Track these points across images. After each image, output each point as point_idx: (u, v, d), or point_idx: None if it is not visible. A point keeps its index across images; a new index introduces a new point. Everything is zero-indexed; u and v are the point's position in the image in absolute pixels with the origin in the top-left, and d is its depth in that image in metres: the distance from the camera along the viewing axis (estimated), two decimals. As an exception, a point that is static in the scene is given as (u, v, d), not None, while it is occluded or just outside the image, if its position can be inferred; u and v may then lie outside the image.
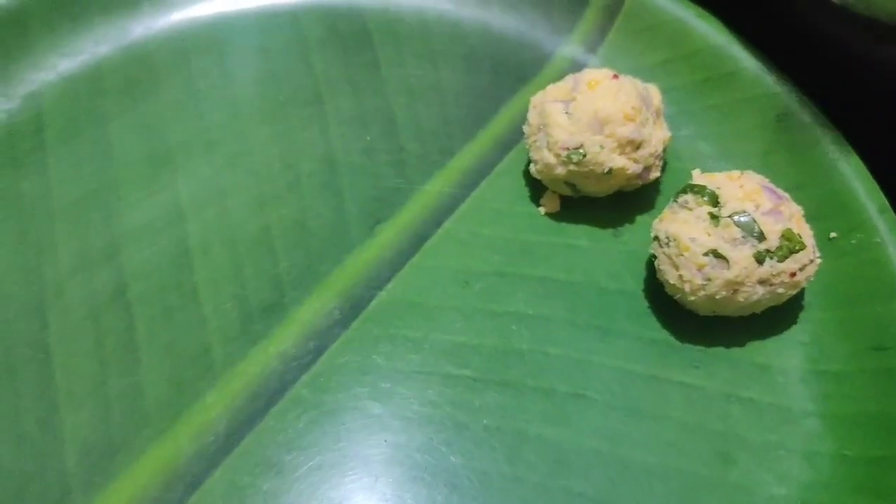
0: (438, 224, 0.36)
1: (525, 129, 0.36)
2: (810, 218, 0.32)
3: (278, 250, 0.35)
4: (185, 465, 0.30)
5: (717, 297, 0.31)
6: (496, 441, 0.31)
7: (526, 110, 0.36)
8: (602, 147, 0.33)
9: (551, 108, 0.34)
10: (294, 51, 0.41)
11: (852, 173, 0.35)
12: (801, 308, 0.33)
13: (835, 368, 0.32)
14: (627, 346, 0.33)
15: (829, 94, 0.37)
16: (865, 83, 0.38)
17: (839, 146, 0.36)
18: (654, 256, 0.33)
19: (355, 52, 0.41)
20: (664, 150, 0.35)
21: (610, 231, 0.36)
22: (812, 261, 0.32)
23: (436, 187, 0.37)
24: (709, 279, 0.31)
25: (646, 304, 0.34)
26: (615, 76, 0.34)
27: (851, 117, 0.37)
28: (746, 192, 0.31)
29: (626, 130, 0.33)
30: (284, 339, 0.33)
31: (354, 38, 0.41)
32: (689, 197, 0.32)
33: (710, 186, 0.32)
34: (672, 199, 0.33)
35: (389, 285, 0.35)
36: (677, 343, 0.33)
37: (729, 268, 0.30)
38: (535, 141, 0.35)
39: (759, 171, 0.33)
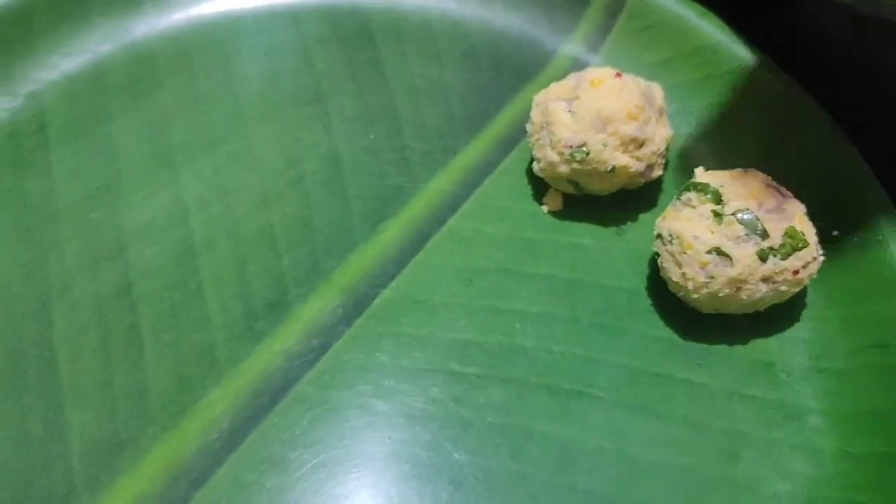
0: (442, 222, 0.36)
1: (528, 127, 0.36)
2: (812, 216, 0.32)
3: (282, 248, 0.35)
4: (189, 463, 0.30)
5: (721, 294, 0.31)
6: (501, 438, 0.31)
7: (528, 109, 0.36)
8: (605, 145, 0.33)
9: (554, 107, 0.34)
10: (297, 49, 0.41)
11: (854, 171, 0.35)
12: (803, 306, 0.33)
13: (838, 366, 0.33)
14: (631, 343, 0.33)
15: (831, 92, 0.37)
16: (868, 81, 0.38)
17: (841, 144, 0.36)
18: (658, 254, 0.33)
19: (358, 51, 0.41)
20: (667, 149, 0.35)
21: (613, 229, 0.36)
22: (815, 258, 0.32)
23: (439, 185, 0.37)
24: (712, 277, 0.31)
25: (649, 301, 0.34)
26: (618, 75, 0.34)
27: (853, 115, 0.37)
28: (750, 189, 0.31)
29: (630, 129, 0.33)
30: (288, 336, 0.33)
31: (357, 37, 0.41)
32: (692, 195, 0.32)
33: (714, 184, 0.32)
34: (675, 196, 0.33)
35: (393, 283, 0.35)
36: (681, 340, 0.34)
37: (732, 265, 0.30)
38: (539, 139, 0.35)
39: (761, 169, 0.33)
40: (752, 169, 0.33)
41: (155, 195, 0.36)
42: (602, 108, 0.33)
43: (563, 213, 0.37)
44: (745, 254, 0.30)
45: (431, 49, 0.41)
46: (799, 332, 0.34)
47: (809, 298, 0.34)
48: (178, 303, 0.34)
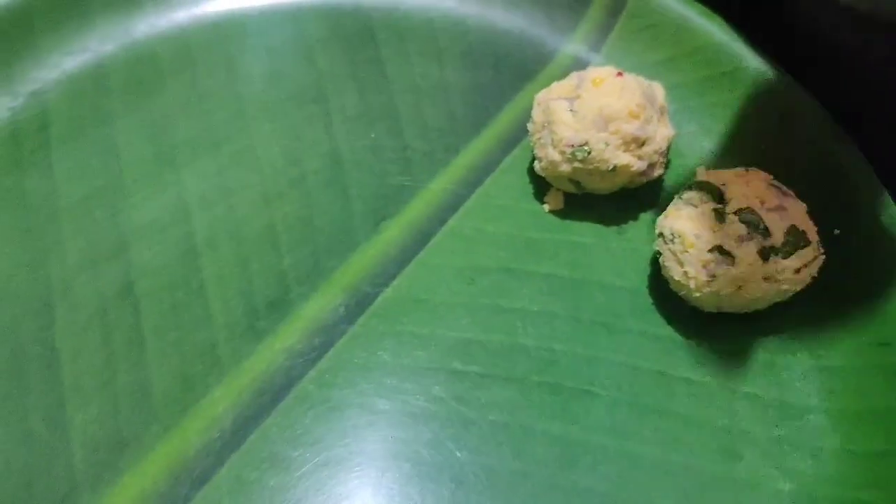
0: (443, 221, 0.36)
1: (529, 126, 0.36)
2: (814, 215, 0.32)
3: (284, 247, 0.35)
4: (191, 461, 0.30)
5: (722, 293, 0.31)
6: (502, 437, 0.31)
7: (530, 108, 0.36)
8: (607, 144, 0.33)
9: (556, 106, 0.34)
10: (298, 49, 0.41)
11: (855, 170, 0.35)
12: (805, 304, 0.33)
13: (839, 364, 0.33)
14: (633, 342, 0.33)
15: (832, 91, 0.37)
16: (868, 81, 0.38)
17: (842, 143, 0.36)
18: (659, 253, 0.33)
19: (359, 50, 0.41)
20: (668, 148, 0.35)
21: (614, 228, 0.36)
22: (816, 257, 0.32)
23: (440, 185, 0.37)
24: (714, 276, 0.31)
25: (650, 300, 0.34)
26: (620, 74, 0.34)
27: (854, 114, 0.37)
28: (752, 188, 0.31)
29: (631, 128, 0.33)
30: (290, 335, 0.33)
31: (358, 36, 0.41)
32: (694, 194, 0.32)
33: (716, 183, 0.32)
34: (677, 195, 0.33)
35: (395, 282, 0.35)
36: (682, 339, 0.34)
37: (734, 264, 0.30)
38: (540, 138, 0.35)
39: (762, 168, 0.33)
40: (754, 168, 0.33)
41: (157, 195, 0.36)
42: (604, 107, 0.33)
43: (564, 212, 0.37)
44: (746, 252, 0.30)
45: (432, 48, 0.41)
46: (800, 331, 0.34)
47: (811, 297, 0.34)
48: (180, 302, 0.34)
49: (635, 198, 0.37)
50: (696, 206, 0.32)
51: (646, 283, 0.35)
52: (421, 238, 0.36)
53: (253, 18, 0.42)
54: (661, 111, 0.35)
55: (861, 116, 0.37)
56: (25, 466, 0.30)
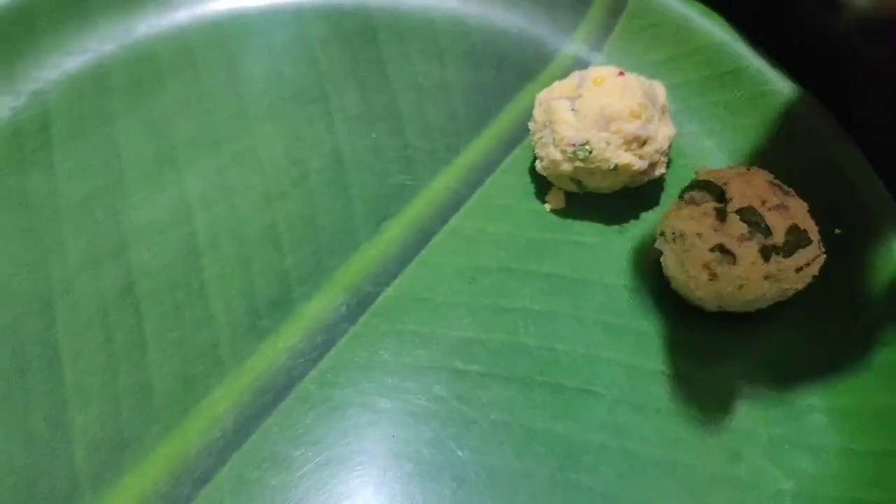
0: (444, 221, 0.36)
1: (530, 125, 0.36)
2: (815, 214, 0.32)
3: (285, 247, 0.35)
4: (193, 461, 0.30)
5: (724, 292, 0.31)
6: (504, 436, 0.31)
7: (531, 107, 0.36)
8: (608, 143, 0.33)
9: (557, 105, 0.34)
10: (299, 48, 0.41)
11: (856, 169, 0.36)
12: (806, 303, 0.33)
13: (841, 363, 0.33)
14: (634, 341, 0.33)
15: (833, 91, 0.37)
16: (869, 80, 0.38)
17: (843, 143, 0.36)
18: (661, 252, 0.33)
19: (361, 50, 0.41)
20: (669, 147, 0.35)
21: (615, 227, 0.36)
22: (817, 256, 0.32)
23: (442, 184, 0.37)
24: (715, 275, 0.31)
25: (652, 299, 0.34)
26: (621, 73, 0.34)
27: (854, 114, 0.37)
28: (753, 187, 0.31)
29: (632, 127, 0.33)
30: (292, 334, 0.33)
31: (360, 36, 0.41)
32: (695, 193, 0.32)
33: (717, 182, 0.32)
34: (678, 195, 0.33)
35: (396, 281, 0.35)
36: (683, 338, 0.34)
37: (735, 263, 0.30)
38: (541, 137, 0.35)
39: (763, 167, 0.34)
40: (755, 167, 0.33)
41: (158, 195, 0.36)
42: (605, 107, 0.33)
43: (565, 212, 0.37)
44: (747, 252, 0.30)
45: (434, 48, 0.41)
46: (801, 330, 0.34)
47: (812, 296, 0.34)
48: (182, 302, 0.34)
49: (637, 197, 0.37)
50: (697, 206, 0.32)
51: (647, 282, 0.35)
52: (422, 237, 0.36)
53: (254, 18, 0.42)
54: (663, 110, 0.35)
55: (861, 115, 0.37)
56: (26, 466, 0.30)
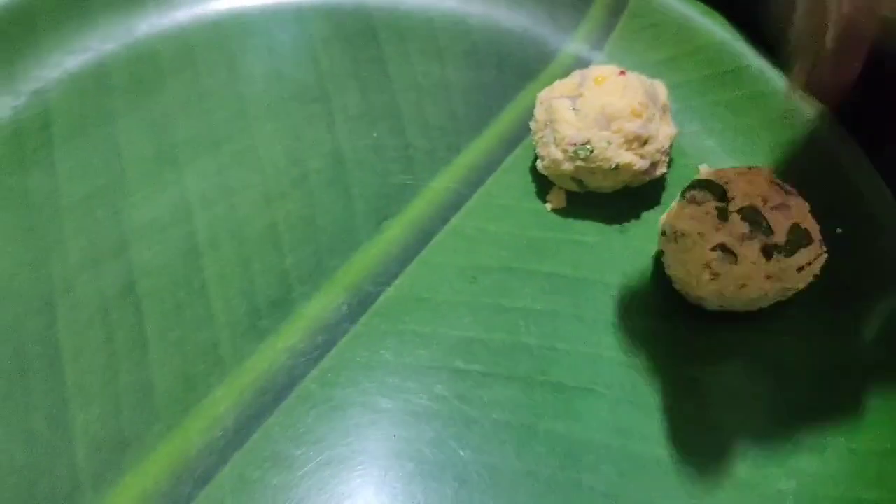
0: (445, 220, 0.36)
1: (531, 125, 0.36)
2: (816, 213, 0.32)
3: (286, 246, 0.35)
4: (194, 460, 0.30)
5: (725, 291, 0.31)
6: (505, 435, 0.31)
7: (532, 107, 0.36)
8: (609, 143, 0.33)
9: (558, 104, 0.34)
10: (300, 48, 0.41)
11: (857, 168, 0.36)
12: (807, 303, 0.33)
13: (842, 362, 0.33)
14: (635, 340, 0.33)
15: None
16: (868, 80, 0.38)
17: (844, 142, 0.36)
18: (662, 252, 0.33)
19: (361, 49, 0.41)
20: (671, 146, 0.35)
21: (617, 227, 0.36)
22: (818, 256, 0.32)
23: (443, 183, 0.37)
24: (716, 274, 0.31)
25: (653, 299, 0.34)
26: (622, 72, 0.34)
27: (855, 114, 0.37)
28: (754, 187, 0.31)
29: (634, 126, 0.33)
30: (293, 334, 0.33)
31: (360, 35, 0.41)
32: (696, 192, 0.32)
33: (718, 181, 0.32)
34: (680, 194, 0.33)
35: (397, 281, 0.35)
36: (684, 338, 0.34)
37: (737, 262, 0.30)
38: (542, 137, 0.35)
39: (764, 166, 0.34)
40: (756, 166, 0.33)
41: (158, 194, 0.36)
42: (606, 106, 0.33)
43: (566, 211, 0.37)
44: (749, 251, 0.30)
45: (434, 48, 0.41)
46: (802, 329, 0.34)
47: (813, 295, 0.34)
48: (182, 301, 0.34)
49: (638, 196, 0.37)
50: (698, 205, 0.32)
51: (648, 281, 0.35)
52: (423, 237, 0.36)
53: (254, 18, 0.42)
54: (664, 109, 0.35)
55: (861, 115, 0.37)
56: (27, 466, 0.30)
